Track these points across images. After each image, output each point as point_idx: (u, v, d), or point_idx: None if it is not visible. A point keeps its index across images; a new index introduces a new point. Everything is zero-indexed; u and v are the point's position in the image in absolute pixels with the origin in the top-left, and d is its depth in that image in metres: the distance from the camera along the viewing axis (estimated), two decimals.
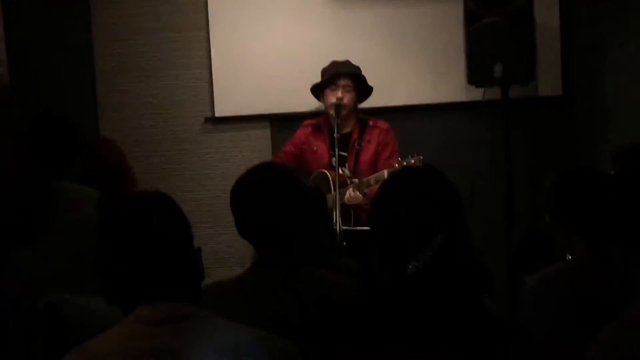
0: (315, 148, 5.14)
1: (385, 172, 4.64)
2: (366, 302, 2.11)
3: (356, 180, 4.80)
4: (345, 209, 4.72)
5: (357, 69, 5.11)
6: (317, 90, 5.16)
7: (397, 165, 4.64)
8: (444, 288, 1.89)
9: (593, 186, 2.70)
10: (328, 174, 4.95)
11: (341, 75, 5.03)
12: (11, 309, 3.10)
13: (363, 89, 5.13)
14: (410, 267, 1.87)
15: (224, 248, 5.77)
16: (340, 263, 3.27)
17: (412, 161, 4.57)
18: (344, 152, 4.90)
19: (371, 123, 5.12)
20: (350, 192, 4.78)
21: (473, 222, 4.97)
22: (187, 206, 5.52)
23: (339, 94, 4.99)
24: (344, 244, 4.27)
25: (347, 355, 1.93)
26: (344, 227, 4.44)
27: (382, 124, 5.13)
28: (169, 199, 2.03)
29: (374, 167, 4.97)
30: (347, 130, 5.04)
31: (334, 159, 5.00)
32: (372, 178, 4.74)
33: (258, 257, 2.55)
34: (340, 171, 4.81)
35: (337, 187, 4.60)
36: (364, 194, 4.75)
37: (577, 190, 2.73)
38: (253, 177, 2.57)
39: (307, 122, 5.27)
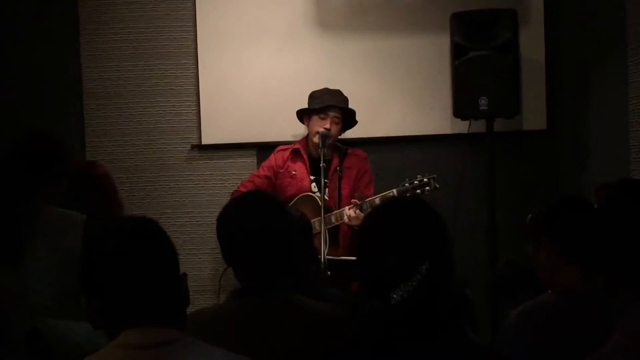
0: (293, 172, 5.16)
1: (395, 192, 4.69)
2: (350, 331, 2.12)
3: (355, 200, 4.82)
4: (332, 234, 4.73)
5: (347, 101, 5.15)
6: (303, 113, 5.18)
7: (407, 184, 4.69)
8: (428, 318, 1.90)
9: (590, 215, 2.70)
10: (316, 198, 4.96)
11: (333, 106, 5.07)
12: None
13: (349, 120, 5.16)
14: (394, 296, 1.88)
15: (208, 275, 5.77)
16: (325, 291, 3.28)
17: (425, 180, 4.62)
18: (325, 179, 4.93)
19: (350, 151, 5.16)
20: (351, 212, 4.78)
21: (457, 253, 5.00)
22: (172, 233, 5.53)
23: (327, 124, 5.02)
24: (328, 273, 4.28)
25: None
26: (329, 257, 4.45)
27: (361, 153, 5.19)
28: (155, 224, 2.03)
29: (353, 194, 4.99)
30: (327, 157, 5.06)
31: (313, 185, 5.04)
32: (377, 198, 4.77)
33: (242, 284, 2.56)
34: (321, 196, 4.84)
35: (323, 215, 4.62)
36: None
37: (579, 217, 2.72)
38: (240, 205, 2.59)
39: (283, 147, 5.30)
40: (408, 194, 4.64)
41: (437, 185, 4.72)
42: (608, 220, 2.41)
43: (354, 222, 4.79)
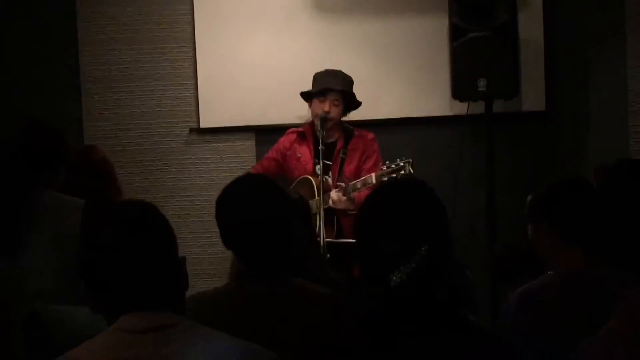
0: (299, 155, 5.16)
1: (373, 176, 4.67)
2: (350, 314, 2.12)
3: (342, 184, 4.82)
4: (329, 216, 4.73)
5: (349, 84, 5.12)
6: (306, 97, 5.18)
7: (384, 168, 4.65)
8: (427, 299, 1.91)
9: (591, 198, 2.69)
10: (312, 180, 4.97)
11: (332, 89, 5.05)
12: None
13: (351, 102, 5.15)
14: (393, 278, 1.88)
15: (208, 259, 5.77)
16: (325, 274, 3.28)
17: (402, 164, 4.59)
18: (328, 160, 4.93)
19: (356, 133, 5.14)
20: (334, 195, 4.78)
21: (456, 236, 5.01)
22: (172, 217, 5.53)
23: (326, 107, 5.01)
24: (328, 255, 4.28)
25: None
26: (328, 239, 4.45)
27: (367, 134, 5.16)
28: (154, 208, 2.03)
29: (358, 176, 4.99)
30: (332, 139, 5.07)
31: (318, 167, 5.03)
32: (358, 182, 4.76)
33: (242, 268, 2.56)
34: (324, 179, 4.83)
35: (322, 196, 4.62)
36: (350, 198, 4.77)
37: (579, 201, 2.71)
38: (238, 188, 2.58)
39: (292, 129, 5.29)
40: (384, 178, 4.61)
41: (412, 170, 4.66)
42: (607, 201, 2.40)
43: (338, 206, 4.81)
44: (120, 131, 5.80)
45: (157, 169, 5.82)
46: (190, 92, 5.81)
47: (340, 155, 5.09)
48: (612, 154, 4.73)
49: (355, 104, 5.18)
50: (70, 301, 2.99)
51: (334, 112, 5.03)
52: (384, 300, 1.90)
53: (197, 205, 5.79)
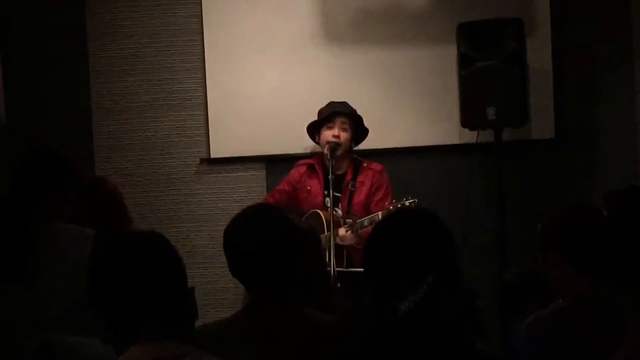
0: (309, 187, 5.17)
1: (380, 214, 4.67)
2: (359, 343, 2.11)
3: (350, 221, 4.82)
4: (338, 249, 4.73)
5: (354, 110, 5.16)
6: (313, 130, 5.19)
7: (391, 207, 4.66)
8: (435, 328, 1.90)
9: (599, 225, 2.69)
10: (321, 214, 4.97)
11: (339, 114, 5.08)
12: (5, 350, 3.09)
13: (359, 130, 5.16)
14: (402, 307, 1.88)
15: (218, 289, 5.76)
16: (334, 304, 3.28)
17: (407, 203, 4.59)
18: (337, 192, 4.93)
19: (365, 164, 5.15)
20: (342, 232, 4.79)
21: (466, 264, 5.00)
22: (181, 247, 5.59)
23: (336, 131, 5.03)
24: (338, 285, 4.28)
25: None
26: (338, 269, 4.45)
27: (376, 166, 5.16)
28: (163, 238, 2.03)
29: (367, 209, 5.00)
30: (341, 171, 5.07)
31: (327, 199, 5.03)
32: (366, 220, 4.76)
33: (250, 298, 2.56)
34: (334, 212, 4.83)
35: (332, 228, 4.62)
36: (357, 235, 4.77)
37: (586, 227, 2.71)
38: (246, 218, 2.59)
39: (302, 161, 5.30)
40: None
41: None
42: (617, 228, 2.40)
43: (346, 242, 4.82)
44: (131, 162, 5.81)
45: (168, 199, 5.83)
46: (201, 122, 5.82)
47: (350, 187, 5.09)
48: (621, 180, 4.72)
49: (363, 134, 5.19)
50: (81, 332, 2.99)
51: (344, 137, 5.04)
52: (392, 328, 1.90)
53: (207, 235, 5.78)
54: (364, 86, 5.70)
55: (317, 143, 5.21)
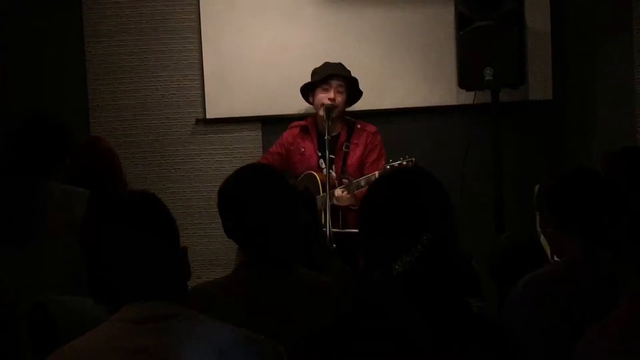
0: (302, 149, 5.15)
1: (377, 174, 4.65)
2: (354, 303, 2.11)
3: (346, 181, 4.81)
4: (334, 210, 4.72)
5: (349, 72, 5.14)
6: (307, 91, 5.16)
7: (388, 167, 4.64)
8: (430, 288, 1.89)
9: (591, 187, 2.70)
10: (316, 176, 4.96)
11: (335, 76, 5.05)
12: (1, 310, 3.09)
13: (353, 92, 5.14)
14: (396, 267, 1.87)
15: (214, 250, 5.77)
16: (330, 265, 3.28)
17: (404, 163, 4.57)
18: (331, 154, 4.91)
19: (359, 126, 5.13)
20: (339, 193, 4.79)
21: (463, 225, 4.98)
22: (178, 208, 5.60)
23: (331, 94, 5.01)
24: (334, 246, 4.27)
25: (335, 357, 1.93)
26: (334, 230, 4.44)
27: (370, 127, 5.14)
28: (155, 198, 2.02)
29: (361, 170, 5.00)
30: (335, 132, 5.06)
31: (321, 161, 5.02)
32: (362, 180, 4.75)
33: (245, 259, 2.55)
34: (322, 174, 4.82)
35: (328, 189, 4.61)
36: (353, 196, 4.76)
37: (576, 190, 2.72)
38: (241, 178, 2.57)
39: (295, 123, 5.29)
40: None
41: None
42: (613, 188, 2.40)
43: (342, 203, 4.81)
44: (126, 122, 5.80)
45: (163, 160, 5.82)
46: (196, 82, 5.80)
47: (344, 148, 5.07)
48: (618, 142, 4.70)
49: (357, 95, 5.17)
50: (76, 292, 2.99)
51: (339, 99, 5.02)
52: (387, 289, 1.89)
53: (203, 195, 5.78)
54: (360, 47, 5.67)
55: (311, 103, 5.19)
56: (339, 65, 5.15)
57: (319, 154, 5.08)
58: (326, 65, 5.16)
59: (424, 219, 1.91)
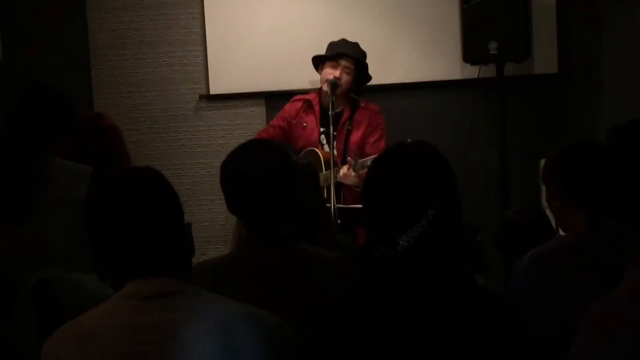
0: (305, 124, 5.13)
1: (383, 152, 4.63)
2: (357, 278, 2.11)
3: (351, 159, 4.79)
4: (336, 187, 4.71)
5: (363, 56, 5.09)
6: (318, 62, 5.13)
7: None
8: (435, 263, 1.89)
9: (597, 159, 2.69)
10: (318, 152, 4.95)
11: (345, 55, 5.01)
12: (3, 287, 3.09)
13: (362, 74, 5.11)
14: (400, 242, 1.86)
15: (216, 226, 5.77)
16: (334, 240, 3.27)
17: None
18: (334, 131, 4.89)
19: (362, 104, 5.11)
20: (344, 170, 4.77)
21: (468, 200, 4.99)
22: (182, 184, 5.60)
23: (337, 72, 4.97)
24: (338, 221, 4.27)
25: (340, 334, 1.92)
26: (338, 205, 4.43)
27: (373, 107, 5.12)
28: (159, 174, 2.01)
29: (362, 149, 4.97)
30: (338, 109, 5.03)
31: (322, 137, 5.01)
32: (368, 160, 4.72)
33: (247, 233, 2.54)
34: (329, 149, 4.80)
35: (332, 165, 4.59)
36: (358, 175, 4.74)
37: (582, 162, 2.71)
38: (243, 152, 2.56)
39: (298, 97, 5.26)
40: None
41: None
42: (618, 160, 2.38)
43: (346, 181, 4.79)
44: (130, 99, 5.78)
45: (167, 136, 5.80)
46: (200, 58, 5.77)
47: (347, 126, 5.05)
48: (625, 115, 4.67)
49: (365, 79, 5.14)
50: (80, 268, 2.99)
51: (344, 80, 4.99)
52: (391, 264, 1.88)
53: (207, 172, 5.77)
54: (363, 21, 5.63)
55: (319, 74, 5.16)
56: (354, 45, 5.10)
57: (321, 129, 5.07)
58: (343, 41, 5.12)
59: (428, 194, 1.90)
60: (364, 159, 4.75)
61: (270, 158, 2.52)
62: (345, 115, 5.07)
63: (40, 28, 5.68)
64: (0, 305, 2.65)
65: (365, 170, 4.63)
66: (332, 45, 5.11)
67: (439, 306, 1.86)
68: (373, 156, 4.67)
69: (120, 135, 4.20)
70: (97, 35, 5.76)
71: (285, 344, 1.96)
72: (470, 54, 5.32)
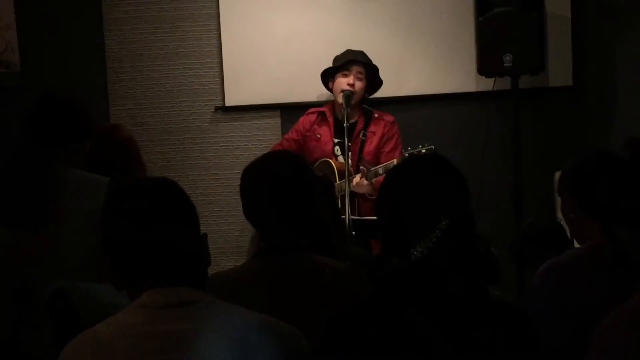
0: (319, 135, 5.16)
1: (395, 161, 4.65)
2: (370, 289, 2.10)
3: (363, 168, 4.81)
4: (350, 198, 4.72)
5: (370, 61, 5.13)
6: (327, 77, 5.16)
7: (406, 154, 4.64)
8: (448, 274, 1.89)
9: (613, 171, 2.69)
10: (332, 163, 4.97)
11: (355, 62, 5.04)
12: (20, 297, 3.11)
13: (373, 81, 5.13)
14: (414, 252, 1.87)
15: (232, 237, 5.78)
16: (349, 252, 3.28)
17: (423, 151, 4.56)
18: (348, 142, 4.91)
19: (376, 115, 5.14)
20: (357, 180, 4.78)
21: (482, 213, 4.98)
22: (197, 195, 5.61)
23: (351, 80, 5.01)
24: (353, 233, 4.27)
25: (351, 345, 1.93)
26: (353, 217, 4.44)
27: (388, 117, 5.15)
28: (175, 185, 2.03)
29: (377, 159, 4.99)
30: (352, 120, 5.05)
31: (336, 148, 5.03)
32: (380, 167, 4.74)
33: (263, 244, 2.56)
34: (343, 160, 4.82)
35: (347, 176, 4.61)
36: (370, 183, 4.76)
37: (598, 174, 2.71)
38: (263, 162, 2.59)
39: (312, 109, 5.29)
40: None
41: None
42: (632, 173, 2.38)
43: (359, 190, 4.80)
44: (146, 110, 5.81)
45: (183, 148, 5.83)
46: (215, 70, 5.80)
47: (361, 137, 5.07)
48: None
49: (376, 84, 5.16)
50: (96, 278, 3.00)
51: (358, 86, 5.03)
52: (404, 275, 1.89)
53: (222, 183, 5.79)
54: (378, 33, 5.65)
55: (330, 90, 5.19)
56: (361, 53, 5.15)
57: (335, 140, 5.09)
58: (348, 52, 5.16)
59: (442, 205, 1.91)
60: (376, 167, 4.77)
61: (289, 168, 2.54)
62: (359, 126, 5.10)
63: (58, 40, 5.71)
64: (15, 312, 2.66)
65: (378, 178, 4.66)
66: (338, 58, 5.14)
67: (451, 317, 1.86)
68: (385, 164, 4.69)
69: (137, 146, 4.23)
70: (113, 47, 5.79)
71: (300, 353, 1.96)
72: (485, 66, 5.32)
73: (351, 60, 5.06)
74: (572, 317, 2.55)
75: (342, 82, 5.02)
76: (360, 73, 5.05)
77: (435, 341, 1.85)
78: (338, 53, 5.20)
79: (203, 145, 5.84)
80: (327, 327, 1.92)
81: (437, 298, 1.88)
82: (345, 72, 5.04)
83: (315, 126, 5.19)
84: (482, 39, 5.28)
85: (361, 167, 4.85)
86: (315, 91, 5.51)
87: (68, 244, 3.25)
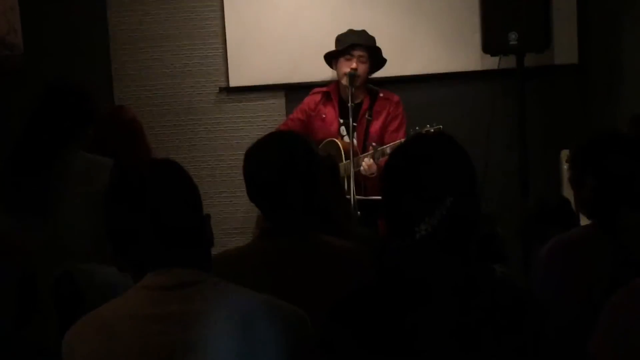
0: (324, 116, 5.15)
1: (402, 141, 4.63)
2: (375, 268, 2.11)
3: (375, 145, 4.79)
4: (356, 178, 4.71)
5: (373, 40, 5.11)
6: (330, 58, 5.15)
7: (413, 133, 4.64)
8: (453, 251, 1.88)
9: (625, 150, 2.68)
10: (338, 143, 4.96)
11: (357, 45, 5.02)
12: (26, 279, 3.12)
13: (377, 60, 5.11)
14: (419, 230, 1.86)
15: (239, 217, 5.78)
16: (354, 231, 3.28)
17: (431, 130, 4.56)
18: (354, 122, 4.90)
19: (382, 95, 5.12)
20: (368, 162, 4.76)
21: (488, 191, 4.96)
22: (201, 176, 5.62)
23: (354, 64, 4.98)
24: (358, 213, 4.27)
25: (358, 326, 1.92)
26: (358, 197, 4.43)
27: (393, 97, 5.13)
28: (178, 165, 2.02)
29: (382, 139, 4.98)
30: (357, 100, 5.04)
31: (342, 128, 5.02)
32: (387, 147, 4.73)
33: (267, 225, 2.55)
34: (348, 140, 4.81)
35: (352, 156, 4.61)
36: (377, 163, 4.75)
37: (610, 153, 2.70)
38: (266, 142, 2.58)
39: (316, 89, 5.28)
40: None
41: None
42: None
43: (367, 172, 4.78)
44: (150, 91, 5.80)
45: (187, 129, 5.82)
46: (219, 51, 5.78)
47: (366, 117, 5.06)
48: None
49: (380, 62, 5.14)
50: (102, 260, 3.01)
51: (361, 69, 5.01)
52: (409, 253, 1.88)
53: (226, 164, 5.79)
54: (382, 12, 5.62)
55: (335, 69, 5.17)
56: (362, 33, 5.12)
57: (340, 120, 5.08)
58: (349, 33, 5.13)
59: (447, 183, 1.90)
60: (383, 147, 4.76)
61: (292, 148, 2.53)
62: (365, 106, 5.08)
63: (61, 22, 5.70)
64: (20, 297, 2.67)
65: (385, 158, 4.65)
66: (340, 39, 5.12)
67: (457, 296, 1.85)
68: (392, 143, 4.68)
69: (142, 128, 4.22)
70: (117, 28, 5.78)
71: (305, 334, 1.96)
72: (490, 44, 5.29)
73: (353, 44, 5.03)
74: (578, 294, 2.55)
75: (345, 66, 5.00)
76: (363, 56, 5.03)
77: (441, 320, 1.84)
78: (344, 31, 5.17)
79: (207, 126, 5.83)
80: (330, 315, 1.91)
81: (444, 276, 1.87)
82: (348, 57, 5.02)
83: (320, 106, 5.19)
84: (487, 17, 5.25)
85: (372, 144, 4.83)
86: (320, 71, 5.48)
87: (73, 228, 3.26)
